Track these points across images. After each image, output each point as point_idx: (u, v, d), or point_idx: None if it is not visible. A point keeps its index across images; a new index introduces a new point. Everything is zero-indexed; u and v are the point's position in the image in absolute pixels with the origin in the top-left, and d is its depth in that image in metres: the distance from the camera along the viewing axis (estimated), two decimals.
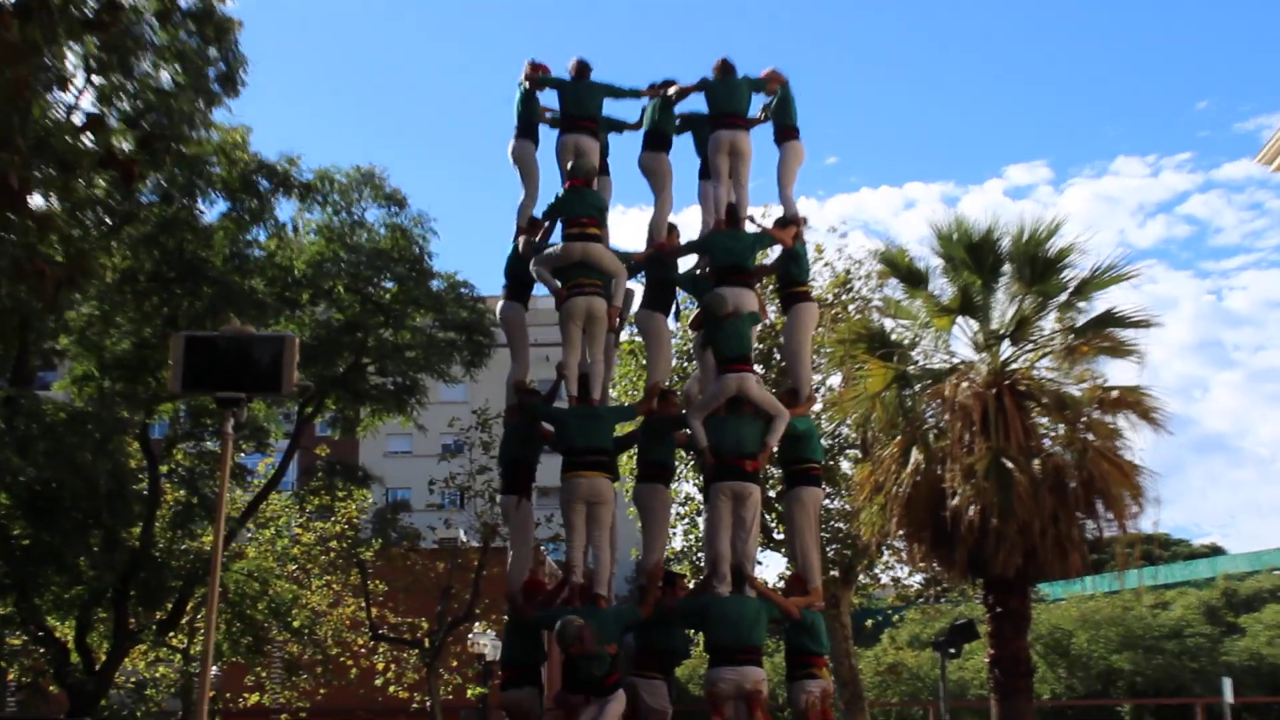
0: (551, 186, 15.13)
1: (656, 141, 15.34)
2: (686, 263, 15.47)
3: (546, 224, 14.76)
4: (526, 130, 15.33)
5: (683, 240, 15.20)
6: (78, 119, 17.59)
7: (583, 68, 15.23)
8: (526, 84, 15.33)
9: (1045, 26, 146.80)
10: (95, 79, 18.90)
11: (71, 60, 18.71)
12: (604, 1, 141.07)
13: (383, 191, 25.23)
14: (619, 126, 15.70)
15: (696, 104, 15.57)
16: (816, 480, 14.28)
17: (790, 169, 15.23)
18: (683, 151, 15.76)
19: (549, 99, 15.47)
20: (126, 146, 17.73)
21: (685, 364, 26.39)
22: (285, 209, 24.51)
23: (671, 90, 15.34)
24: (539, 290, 15.16)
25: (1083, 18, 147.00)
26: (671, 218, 15.37)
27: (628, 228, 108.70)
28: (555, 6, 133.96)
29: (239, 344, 12.09)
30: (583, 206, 14.05)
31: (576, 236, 13.89)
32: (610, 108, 15.58)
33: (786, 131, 15.32)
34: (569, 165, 14.46)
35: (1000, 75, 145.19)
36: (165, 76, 19.76)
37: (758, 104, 15.61)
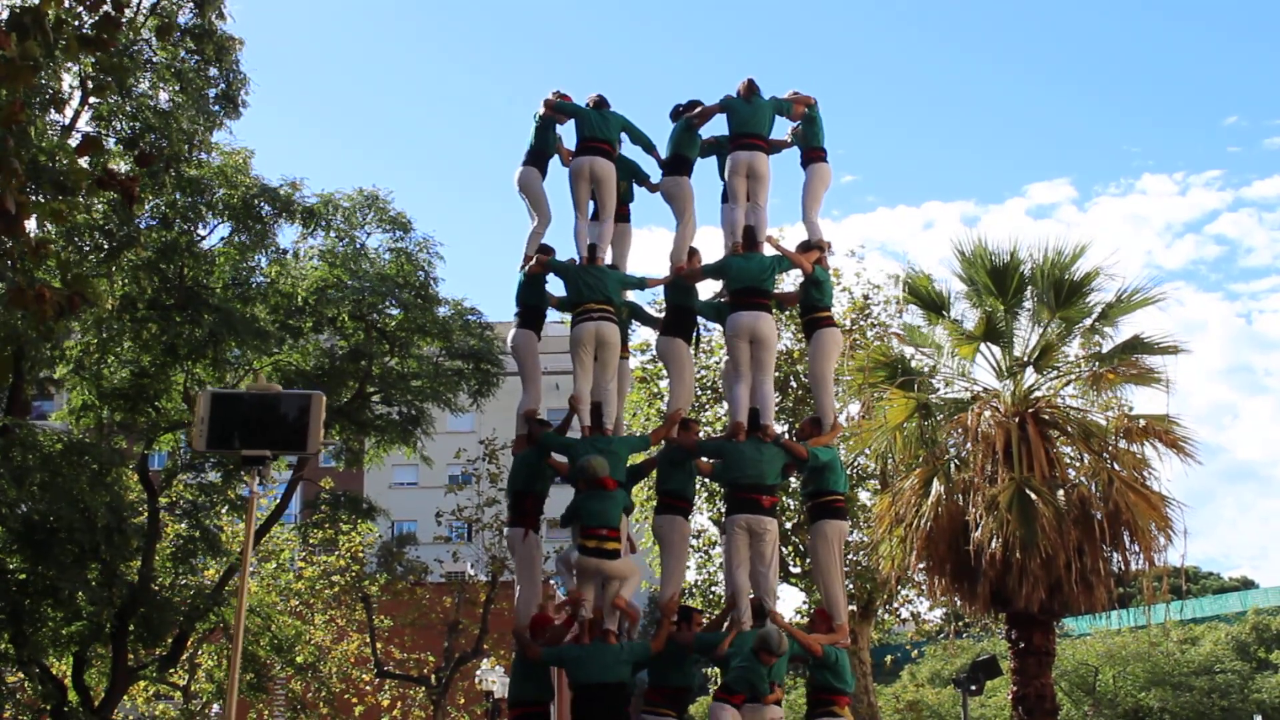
0: (562, 213, 14.84)
1: (678, 165, 15.02)
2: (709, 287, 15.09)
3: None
4: (535, 158, 15.04)
5: (703, 263, 14.78)
6: (74, 141, 17.25)
7: (602, 101, 14.96)
8: (543, 109, 14.93)
9: (1068, 38, 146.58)
10: (92, 99, 18.57)
11: (68, 81, 18.40)
12: (616, 22, 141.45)
13: (386, 215, 24.94)
14: (640, 178, 15.36)
15: (719, 128, 15.21)
16: (840, 513, 13.87)
17: (815, 192, 14.92)
18: (709, 174, 15.35)
19: (565, 133, 15.12)
20: (124, 168, 17.37)
21: (700, 393, 25.98)
22: (287, 234, 24.22)
23: (695, 113, 14.95)
24: (551, 317, 14.76)
25: (1107, 30, 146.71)
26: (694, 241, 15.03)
27: (646, 248, 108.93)
28: (565, 29, 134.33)
29: (265, 401, 11.93)
30: (602, 517, 13.09)
31: (594, 551, 12.95)
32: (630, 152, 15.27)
33: (812, 153, 15.03)
34: (578, 465, 13.31)
35: (1021, 89, 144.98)
36: (164, 96, 19.46)
37: (783, 127, 15.26)
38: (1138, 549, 17.93)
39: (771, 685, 12.80)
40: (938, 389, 19.94)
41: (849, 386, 19.86)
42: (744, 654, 12.57)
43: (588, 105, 14.90)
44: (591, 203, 14.75)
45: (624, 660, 12.71)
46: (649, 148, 15.18)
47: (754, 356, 13.89)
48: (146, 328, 21.81)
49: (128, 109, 18.97)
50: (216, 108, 20.19)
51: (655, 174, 15.28)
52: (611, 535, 12.94)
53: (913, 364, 19.71)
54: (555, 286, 14.63)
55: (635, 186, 15.41)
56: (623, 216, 15.03)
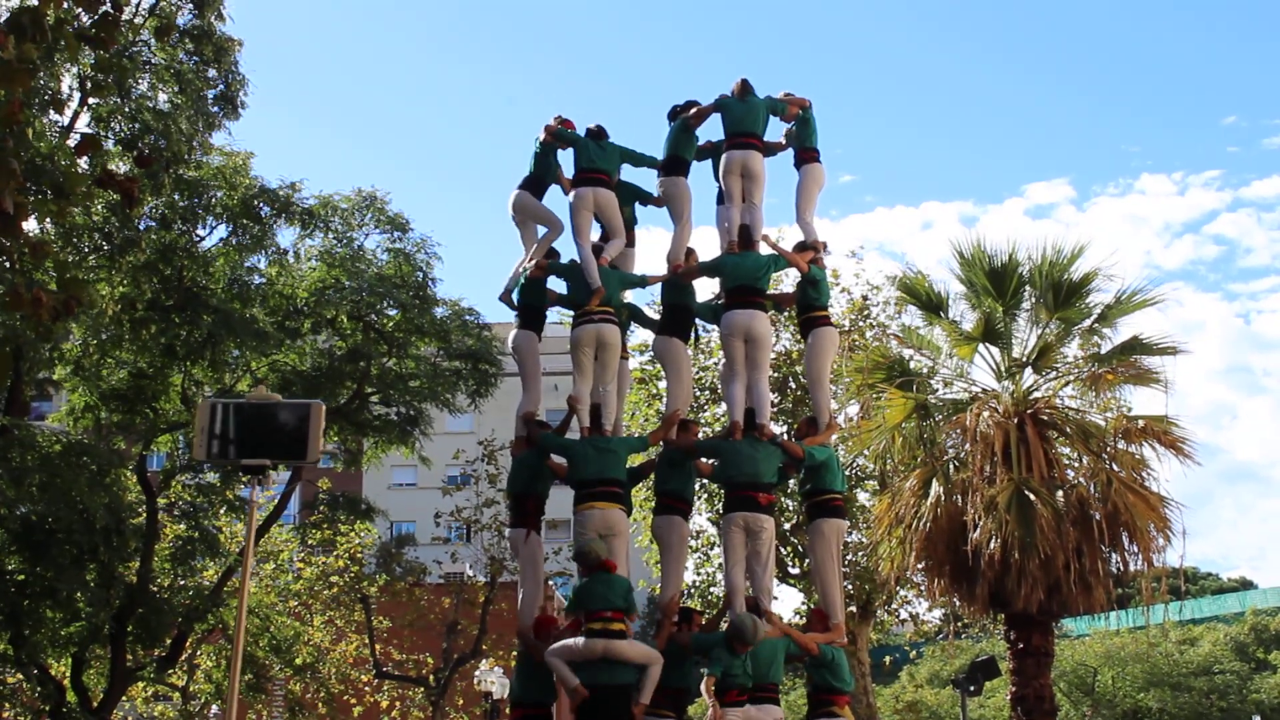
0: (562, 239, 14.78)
1: (674, 166, 15.02)
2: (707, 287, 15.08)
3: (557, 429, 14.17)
4: (532, 184, 14.98)
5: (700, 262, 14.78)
6: (72, 142, 17.23)
7: (601, 131, 14.91)
8: (544, 136, 14.89)
9: (1067, 38, 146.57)
10: (91, 100, 18.55)
11: (67, 81, 18.39)
12: (616, 23, 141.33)
13: (385, 215, 24.88)
14: (643, 197, 15.31)
15: (715, 131, 15.20)
16: (838, 512, 13.86)
17: (809, 193, 14.90)
18: (706, 179, 15.36)
19: (564, 159, 15.11)
20: (123, 169, 17.34)
21: (698, 393, 25.96)
22: (286, 235, 24.18)
23: (690, 113, 14.94)
24: (551, 318, 14.74)
25: (1106, 30, 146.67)
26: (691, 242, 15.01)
27: (645, 248, 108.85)
28: (565, 28, 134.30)
29: (264, 410, 12.00)
30: (606, 599, 12.72)
31: (599, 633, 12.58)
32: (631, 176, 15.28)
33: (806, 154, 15.01)
34: (578, 549, 13.13)
35: (1020, 89, 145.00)
36: (163, 97, 19.44)
37: (777, 129, 15.24)
38: (1136, 550, 17.90)
39: (770, 686, 12.80)
40: (936, 390, 19.97)
41: (848, 387, 19.86)
42: (720, 649, 12.51)
43: (586, 135, 14.84)
44: (597, 226, 14.75)
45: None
46: (654, 165, 15.15)
47: (749, 356, 13.88)
48: (145, 329, 21.79)
49: (126, 110, 18.96)
50: (215, 109, 20.17)
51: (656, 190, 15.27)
52: (616, 617, 12.56)
53: (911, 365, 19.70)
54: (554, 286, 14.65)
55: (637, 208, 15.41)
56: (627, 241, 15.01)
